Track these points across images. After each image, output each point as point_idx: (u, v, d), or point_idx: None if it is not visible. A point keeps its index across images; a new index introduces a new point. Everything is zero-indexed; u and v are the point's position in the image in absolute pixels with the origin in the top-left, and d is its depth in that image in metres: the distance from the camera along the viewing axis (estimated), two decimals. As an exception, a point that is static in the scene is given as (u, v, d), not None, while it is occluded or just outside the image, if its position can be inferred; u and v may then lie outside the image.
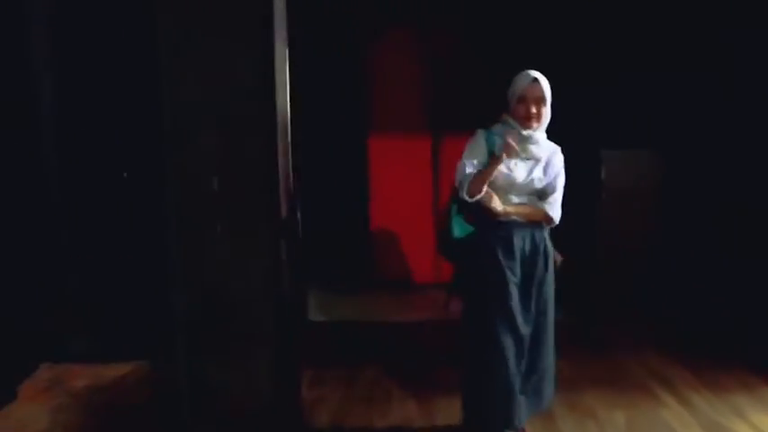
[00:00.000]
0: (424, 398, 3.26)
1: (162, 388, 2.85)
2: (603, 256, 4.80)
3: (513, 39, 5.18)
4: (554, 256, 2.60)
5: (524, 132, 2.49)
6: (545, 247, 2.57)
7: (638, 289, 4.77)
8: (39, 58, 2.80)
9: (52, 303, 2.76)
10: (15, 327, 2.70)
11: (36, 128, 2.84)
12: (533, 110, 2.48)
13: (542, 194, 2.55)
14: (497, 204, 2.48)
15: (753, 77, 4.33)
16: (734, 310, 4.36)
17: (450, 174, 2.63)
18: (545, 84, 2.49)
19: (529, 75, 2.50)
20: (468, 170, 2.49)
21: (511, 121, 2.53)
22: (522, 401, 2.55)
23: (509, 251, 2.51)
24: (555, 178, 2.55)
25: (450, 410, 3.04)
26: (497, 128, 2.57)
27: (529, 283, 2.55)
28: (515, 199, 2.53)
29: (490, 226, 2.52)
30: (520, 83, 2.51)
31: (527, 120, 2.49)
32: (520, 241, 2.52)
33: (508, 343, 2.49)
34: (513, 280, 2.51)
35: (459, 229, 2.61)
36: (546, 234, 2.60)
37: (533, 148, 2.52)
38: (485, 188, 2.46)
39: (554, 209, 2.55)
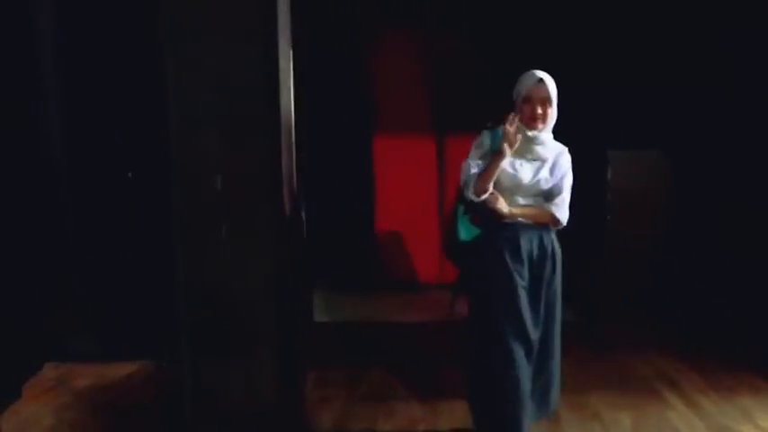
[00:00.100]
0: (429, 399, 3.25)
1: (166, 388, 2.86)
2: (608, 256, 4.78)
3: (518, 39, 5.16)
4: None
5: (530, 133, 2.45)
6: (553, 249, 2.53)
7: (641, 289, 4.75)
8: (45, 60, 2.81)
9: (57, 303, 2.76)
10: (20, 326, 2.70)
11: (42, 128, 2.84)
12: (539, 110, 2.44)
13: (549, 196, 2.49)
14: (503, 206, 2.44)
15: (756, 78, 4.31)
16: (736, 311, 4.34)
17: (455, 174, 2.60)
18: (551, 84, 2.46)
19: (534, 75, 2.46)
20: (474, 170, 2.46)
21: (517, 121, 2.50)
22: (529, 406, 2.51)
23: (516, 254, 2.46)
24: (561, 179, 2.50)
25: (454, 412, 3.03)
26: (501, 128, 2.54)
27: (537, 286, 2.50)
28: (521, 200, 2.49)
29: (496, 228, 2.49)
30: (525, 83, 2.48)
31: (532, 120, 2.45)
32: (527, 244, 2.48)
33: (517, 347, 2.44)
34: (522, 283, 2.46)
35: (465, 231, 2.58)
36: (554, 236, 2.56)
37: (539, 149, 2.48)
38: (491, 186, 2.43)
39: (561, 210, 2.49)
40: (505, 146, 2.39)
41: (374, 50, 5.65)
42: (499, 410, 2.49)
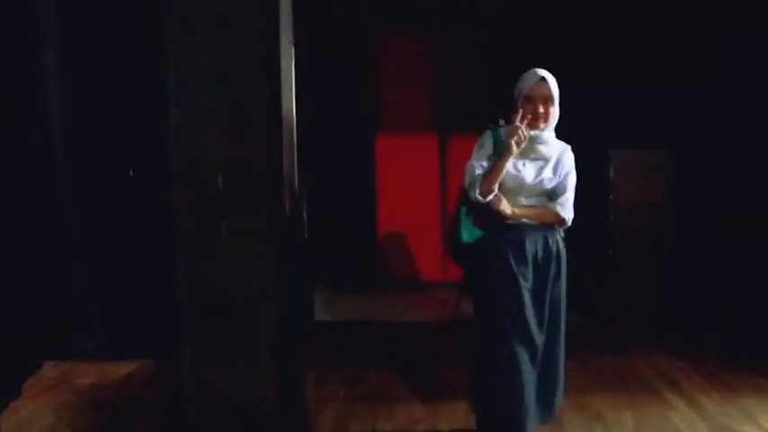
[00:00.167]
0: (430, 399, 3.24)
1: (166, 387, 2.86)
2: (611, 257, 4.77)
3: (521, 39, 5.16)
4: None
5: (532, 132, 2.42)
6: (558, 250, 2.49)
7: (643, 288, 4.74)
8: (47, 60, 2.81)
9: (57, 302, 2.76)
10: (20, 325, 2.70)
11: (44, 127, 2.84)
12: (540, 109, 2.43)
13: (553, 195, 2.46)
14: (506, 207, 2.41)
15: (759, 78, 4.29)
16: (739, 311, 4.34)
17: (458, 173, 2.59)
18: (552, 82, 2.44)
19: (536, 73, 2.45)
20: (478, 171, 2.43)
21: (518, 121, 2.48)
22: (533, 410, 2.49)
23: (521, 256, 2.43)
24: (565, 177, 2.47)
25: (454, 412, 3.02)
26: (505, 128, 2.52)
27: (542, 287, 2.47)
28: (525, 201, 2.46)
29: (500, 229, 2.46)
30: (526, 81, 2.46)
31: (534, 120, 2.43)
32: (532, 246, 2.44)
33: (521, 351, 2.41)
34: (526, 286, 2.43)
35: (468, 233, 2.55)
36: (559, 236, 2.52)
37: (542, 148, 2.46)
38: (496, 186, 2.41)
39: (566, 209, 2.45)
40: (512, 143, 2.36)
41: (377, 50, 5.65)
42: (503, 414, 2.46)
